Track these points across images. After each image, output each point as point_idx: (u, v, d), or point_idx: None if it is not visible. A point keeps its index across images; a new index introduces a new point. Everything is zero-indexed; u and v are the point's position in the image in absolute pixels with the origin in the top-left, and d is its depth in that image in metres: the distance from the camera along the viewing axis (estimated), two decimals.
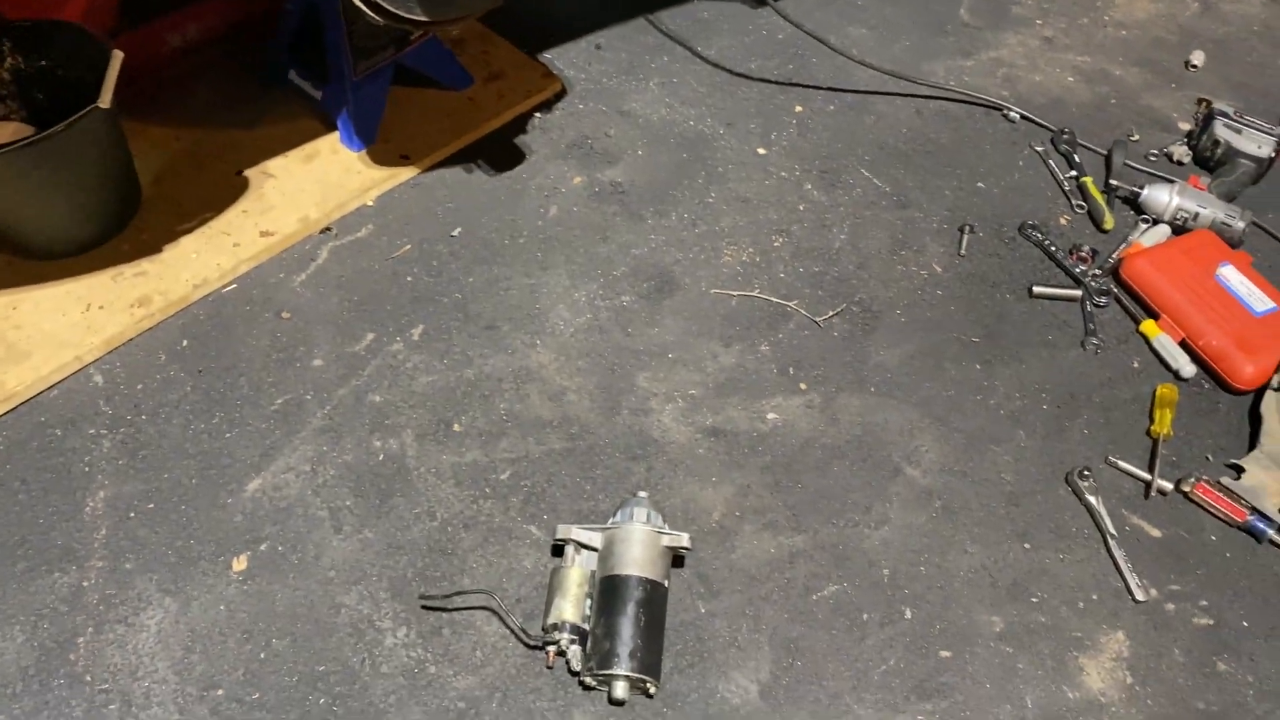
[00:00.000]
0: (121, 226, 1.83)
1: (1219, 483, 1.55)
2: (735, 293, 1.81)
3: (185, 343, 1.71)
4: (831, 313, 1.79)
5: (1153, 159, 2.05)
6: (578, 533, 1.41)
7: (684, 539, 1.40)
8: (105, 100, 1.60)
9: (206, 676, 1.36)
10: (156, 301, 1.74)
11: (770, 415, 1.65)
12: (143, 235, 1.82)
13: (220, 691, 1.35)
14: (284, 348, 1.71)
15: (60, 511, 1.51)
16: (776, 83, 2.17)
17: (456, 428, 1.62)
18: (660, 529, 1.40)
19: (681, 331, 1.75)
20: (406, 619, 1.41)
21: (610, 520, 1.44)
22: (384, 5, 1.49)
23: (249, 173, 1.94)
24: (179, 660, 1.37)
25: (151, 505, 1.52)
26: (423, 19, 1.55)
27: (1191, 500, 1.55)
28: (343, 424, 1.61)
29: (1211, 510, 1.53)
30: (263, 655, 1.38)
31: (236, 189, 1.91)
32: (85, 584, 1.44)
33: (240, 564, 1.47)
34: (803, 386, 1.69)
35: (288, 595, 1.43)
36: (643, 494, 1.48)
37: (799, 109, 2.12)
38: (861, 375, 1.71)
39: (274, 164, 1.96)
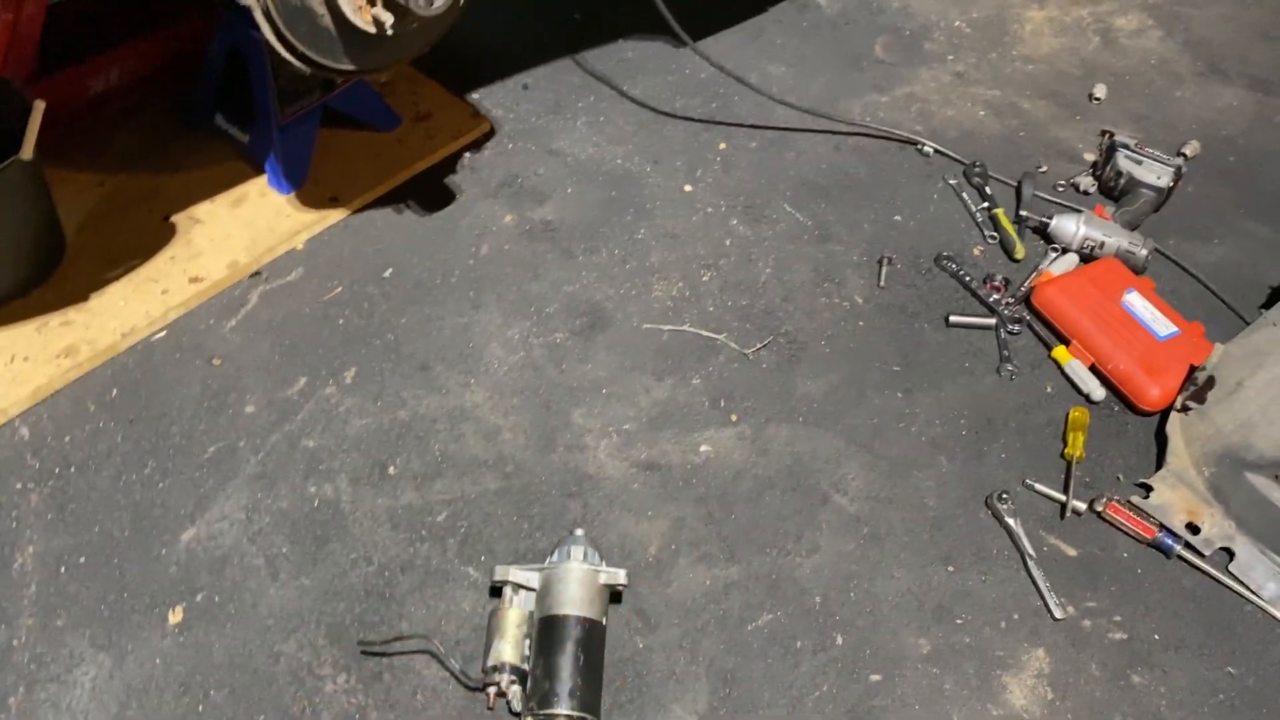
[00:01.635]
0: (45, 276, 1.81)
1: (1129, 502, 1.62)
2: (666, 327, 1.85)
3: (115, 392, 1.70)
4: (759, 345, 1.83)
5: (1060, 189, 2.14)
6: (515, 573, 1.43)
7: (621, 576, 1.43)
8: (27, 152, 1.59)
9: None
10: (84, 351, 1.72)
11: (703, 448, 1.69)
12: (67, 284, 1.81)
13: None
14: (215, 394, 1.70)
15: None
16: (700, 121, 2.23)
17: (391, 470, 1.63)
18: (597, 567, 1.43)
19: (615, 367, 1.79)
20: (346, 665, 1.42)
21: (548, 559, 1.46)
22: (310, 56, 1.51)
23: (176, 218, 1.93)
24: (114, 717, 1.36)
25: (82, 559, 1.50)
26: (349, 68, 1.57)
27: (1104, 519, 1.62)
28: (277, 470, 1.61)
29: (1123, 528, 1.61)
30: (201, 708, 1.37)
31: (164, 235, 1.90)
32: (15, 642, 1.42)
33: (176, 616, 1.46)
34: (734, 418, 1.73)
35: (225, 645, 1.43)
36: (579, 531, 1.50)
37: (723, 146, 2.18)
38: (789, 405, 1.75)
39: (201, 209, 1.95)
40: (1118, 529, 1.61)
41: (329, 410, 1.69)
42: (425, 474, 1.63)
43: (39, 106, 1.62)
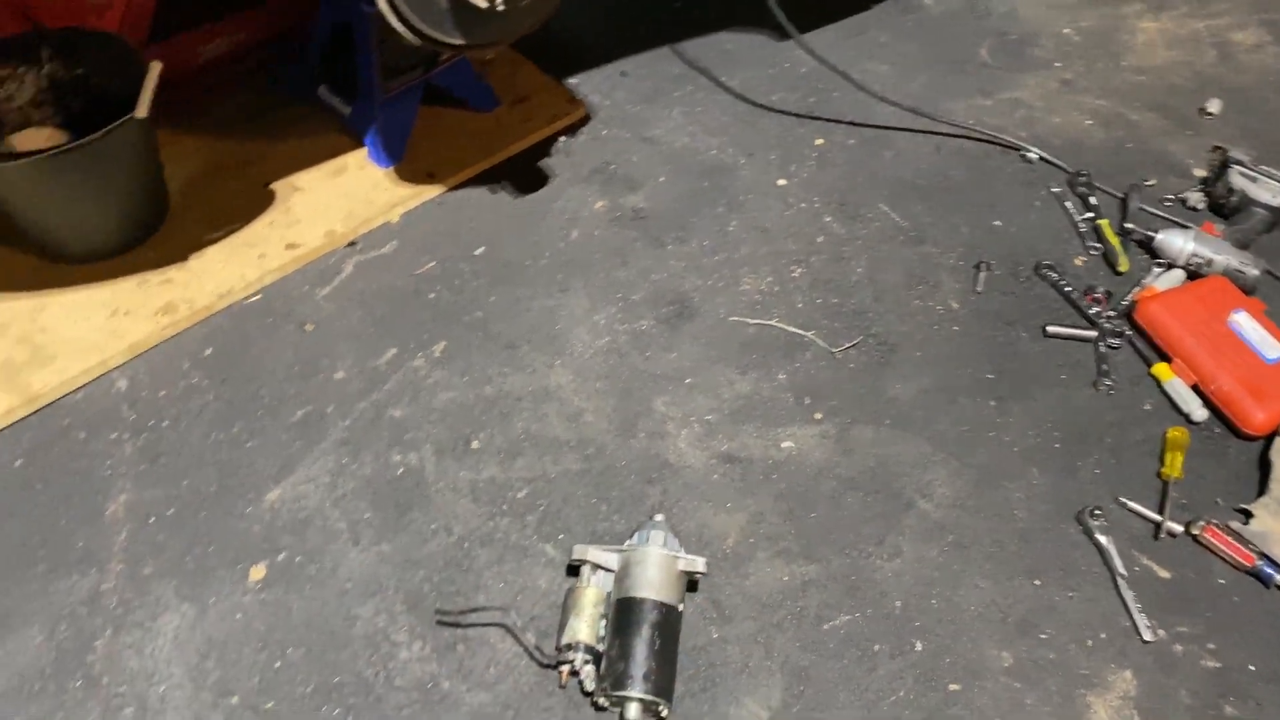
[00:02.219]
0: (149, 234, 1.86)
1: (1228, 526, 1.56)
2: (753, 321, 1.83)
3: (209, 351, 1.73)
4: (848, 344, 1.80)
5: (1167, 204, 2.07)
6: (594, 553, 1.42)
7: (700, 564, 1.42)
8: (142, 110, 1.63)
9: (221, 684, 1.37)
10: (181, 309, 1.76)
11: (785, 444, 1.67)
12: (170, 243, 1.85)
13: (235, 699, 1.36)
14: (306, 360, 1.73)
15: (81, 514, 1.53)
16: (798, 115, 2.20)
17: (475, 445, 1.63)
18: (676, 553, 1.42)
19: (699, 357, 1.77)
20: (422, 634, 1.43)
21: (627, 542, 1.45)
22: (421, 28, 1.52)
23: (276, 185, 1.96)
24: (194, 666, 1.38)
25: (171, 511, 1.53)
26: (458, 42, 1.58)
27: (1200, 543, 1.56)
28: (363, 438, 1.63)
29: (1220, 554, 1.54)
30: (278, 664, 1.39)
31: (263, 201, 1.93)
32: (104, 587, 1.45)
33: (258, 573, 1.48)
34: (818, 416, 1.71)
35: (304, 605, 1.45)
36: (659, 517, 1.49)
37: (819, 142, 2.15)
38: (876, 408, 1.72)
39: (301, 177, 1.98)
40: (1214, 554, 1.55)
41: (416, 382, 1.71)
42: (508, 450, 1.63)
43: (155, 67, 1.65)
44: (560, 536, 1.53)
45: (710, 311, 1.84)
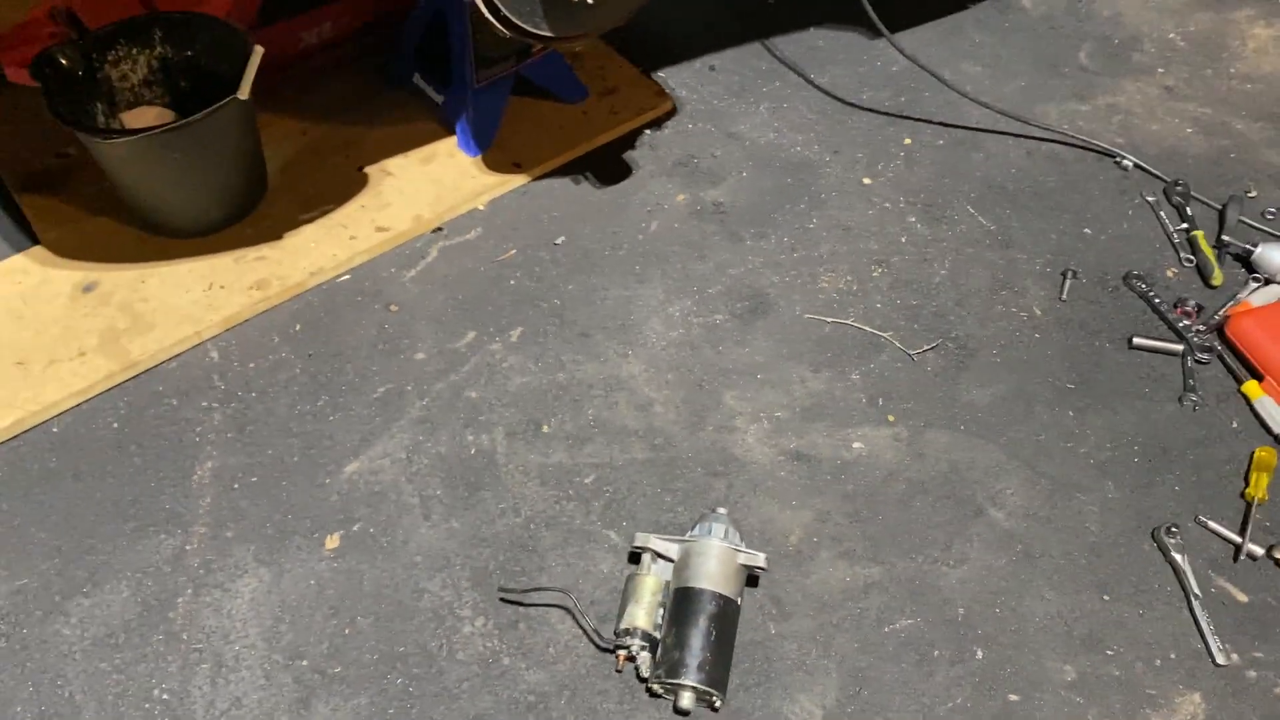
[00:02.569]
0: (247, 212, 1.93)
1: None
2: (829, 319, 1.82)
3: (298, 327, 1.79)
4: (926, 347, 1.79)
5: (1270, 217, 2.00)
6: (656, 542, 1.44)
7: (760, 559, 1.42)
8: (244, 92, 1.69)
9: (293, 646, 1.42)
10: (274, 285, 1.83)
11: (855, 444, 1.66)
12: (266, 221, 1.92)
13: (305, 662, 1.41)
14: (389, 339, 1.78)
15: (170, 477, 1.60)
16: (886, 114, 2.18)
17: (545, 429, 1.66)
18: (737, 547, 1.42)
19: (771, 354, 1.78)
20: (485, 609, 1.46)
21: (689, 533, 1.47)
22: (512, 19, 1.55)
23: (369, 169, 2.02)
24: (269, 629, 1.44)
25: (254, 479, 1.60)
26: (548, 34, 1.60)
27: None
28: (439, 416, 1.67)
29: None
30: (347, 631, 1.44)
31: (356, 184, 1.99)
32: (188, 548, 1.52)
33: (333, 542, 1.54)
34: (890, 419, 1.69)
35: (375, 576, 1.49)
36: (722, 510, 1.50)
37: (908, 141, 2.13)
38: (951, 412, 1.70)
39: (393, 162, 2.04)
40: None
41: (493, 365, 1.74)
42: (577, 436, 1.65)
43: (258, 51, 1.72)
44: (624, 523, 1.55)
45: (786, 308, 1.84)
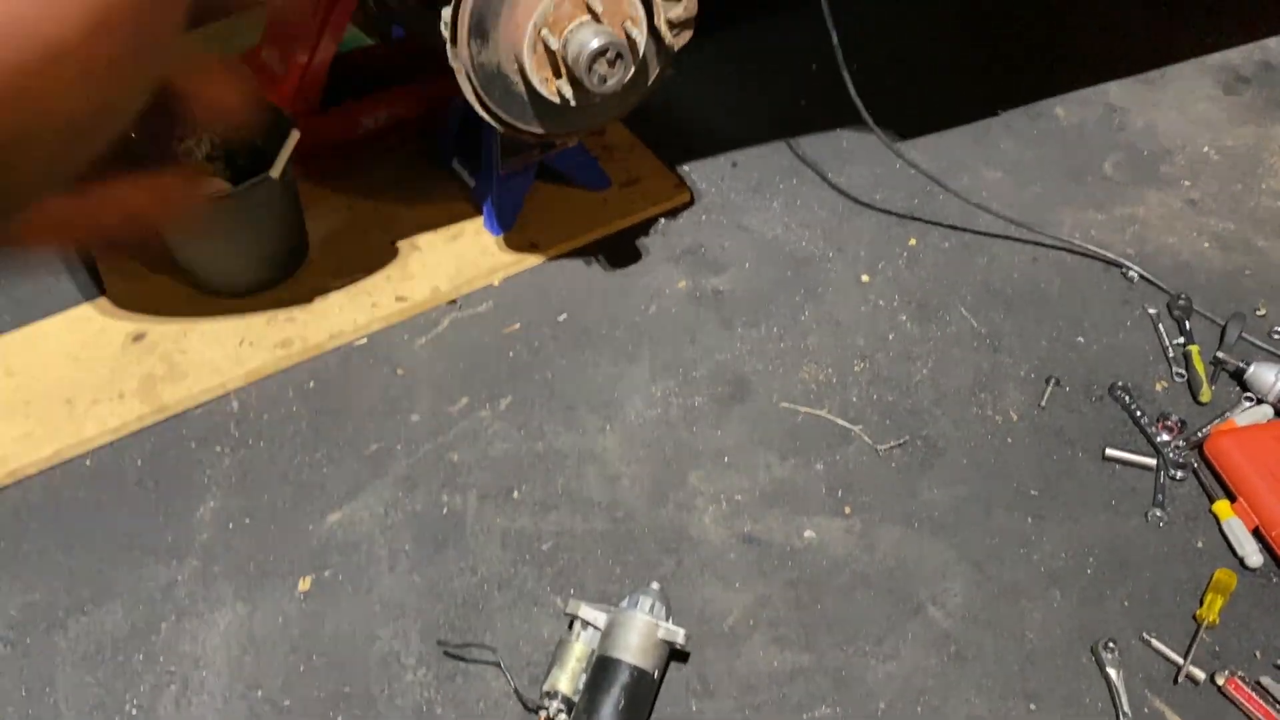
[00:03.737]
0: (287, 276, 2.12)
1: (1257, 682, 1.47)
2: (804, 409, 1.88)
3: (311, 384, 1.96)
4: (894, 443, 1.83)
5: (1276, 337, 1.97)
6: (585, 610, 1.52)
7: (679, 636, 1.49)
8: (275, 172, 1.89)
9: (252, 677, 1.55)
10: (296, 345, 2.00)
11: (807, 533, 1.71)
12: (301, 286, 2.11)
13: (259, 693, 1.54)
14: (391, 400, 1.93)
15: (176, 513, 1.77)
16: (896, 214, 2.24)
17: (516, 495, 1.77)
18: (659, 621, 1.49)
19: (743, 438, 1.85)
20: (428, 660, 1.56)
21: (620, 604, 1.54)
22: (503, 117, 1.70)
23: (400, 243, 2.20)
24: (234, 659, 1.57)
25: (248, 520, 1.75)
26: (538, 131, 1.75)
27: (1223, 694, 1.48)
28: (421, 475, 1.80)
29: (1242, 708, 1.46)
30: (302, 668, 1.56)
31: (386, 256, 2.17)
32: (179, 578, 1.68)
33: (305, 585, 1.67)
34: (847, 510, 1.74)
35: (336, 619, 1.62)
36: (654, 585, 1.57)
37: (912, 242, 2.18)
38: (909, 509, 1.74)
39: (423, 238, 2.21)
40: (1236, 707, 1.47)
41: (479, 430, 1.87)
42: (544, 503, 1.75)
43: (294, 135, 1.92)
44: (571, 591, 1.64)
45: (764, 395, 1.91)
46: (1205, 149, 2.41)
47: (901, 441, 1.83)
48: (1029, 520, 1.71)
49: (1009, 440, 1.83)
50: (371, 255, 2.18)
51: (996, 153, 2.42)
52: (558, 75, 1.64)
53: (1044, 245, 2.16)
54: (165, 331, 2.04)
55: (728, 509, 1.74)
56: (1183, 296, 2.02)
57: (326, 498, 1.78)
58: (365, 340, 2.04)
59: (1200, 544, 1.67)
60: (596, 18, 1.58)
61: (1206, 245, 2.17)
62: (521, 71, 1.64)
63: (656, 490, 1.77)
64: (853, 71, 2.03)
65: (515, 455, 1.83)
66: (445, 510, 1.75)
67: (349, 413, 1.91)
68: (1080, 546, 1.68)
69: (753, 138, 2.44)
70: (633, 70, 1.64)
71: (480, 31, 1.60)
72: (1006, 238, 2.18)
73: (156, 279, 2.12)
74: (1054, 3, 2.87)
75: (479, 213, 2.25)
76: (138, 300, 2.09)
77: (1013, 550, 1.68)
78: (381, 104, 2.36)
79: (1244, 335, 1.95)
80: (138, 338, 2.03)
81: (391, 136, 2.40)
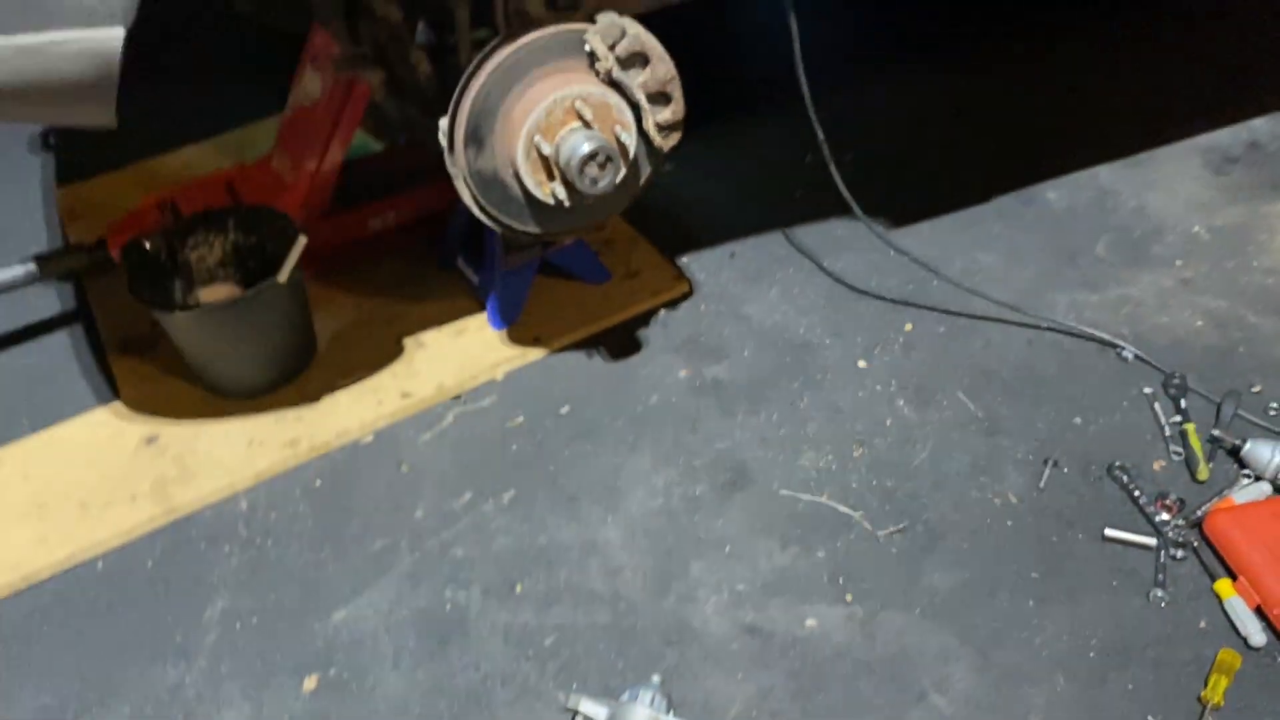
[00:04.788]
0: (295, 376, 2.18)
1: None
2: (805, 496, 1.90)
3: (318, 483, 1.99)
4: (894, 528, 1.84)
5: (1272, 413, 1.97)
6: (585, 704, 1.53)
7: None
8: (282, 278, 1.95)
9: None
10: (304, 444, 2.04)
11: (809, 621, 1.71)
12: (309, 385, 2.16)
13: None
14: (396, 496, 1.96)
15: (185, 614, 1.79)
16: (891, 300, 2.28)
17: (519, 589, 1.78)
18: (660, 714, 1.49)
19: (744, 527, 1.86)
20: None
21: (621, 697, 1.55)
22: (500, 219, 1.76)
23: (406, 340, 2.25)
24: None
25: (255, 619, 1.77)
26: (535, 230, 1.81)
27: None
28: (425, 571, 1.82)
29: None
30: None
31: (392, 354, 2.22)
32: (187, 679, 1.69)
33: (310, 683, 1.68)
34: (848, 598, 1.74)
35: (340, 718, 1.62)
36: (656, 678, 1.58)
37: (909, 327, 2.22)
38: (910, 596, 1.74)
39: (428, 335, 2.27)
40: None
41: (482, 525, 1.89)
42: (547, 597, 1.77)
43: (300, 241, 1.99)
44: (574, 685, 1.64)
45: (765, 483, 1.93)
46: (1196, 229, 2.44)
47: (901, 527, 1.84)
48: (1031, 603, 1.71)
49: (1009, 523, 1.84)
50: (378, 353, 2.24)
51: (989, 237, 2.46)
52: (551, 178, 1.70)
53: (1039, 328, 2.19)
54: (177, 434, 2.09)
55: (730, 599, 1.75)
56: (1178, 375, 2.03)
57: (332, 595, 1.80)
58: (371, 438, 2.08)
59: (1203, 624, 1.66)
60: (587, 124, 1.65)
61: (1200, 323, 2.19)
62: (517, 176, 1.71)
63: (659, 581, 1.78)
64: (847, 161, 2.09)
65: (518, 549, 1.85)
66: (449, 606, 1.77)
67: (355, 510, 1.94)
68: (1083, 629, 1.67)
69: (749, 228, 2.50)
70: (623, 172, 1.70)
71: (476, 139, 1.67)
72: (1001, 321, 2.22)
73: (169, 382, 2.18)
74: (1043, 88, 2.94)
75: (483, 309, 2.30)
76: (151, 404, 2.14)
77: (1015, 634, 1.67)
78: (388, 207, 2.44)
79: (1240, 412, 1.96)
80: (150, 440, 2.08)
81: (398, 237, 2.48)
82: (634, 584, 1.78)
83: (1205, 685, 1.57)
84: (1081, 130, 2.78)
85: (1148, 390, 2.05)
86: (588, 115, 1.63)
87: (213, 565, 1.86)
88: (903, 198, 2.46)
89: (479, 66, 1.62)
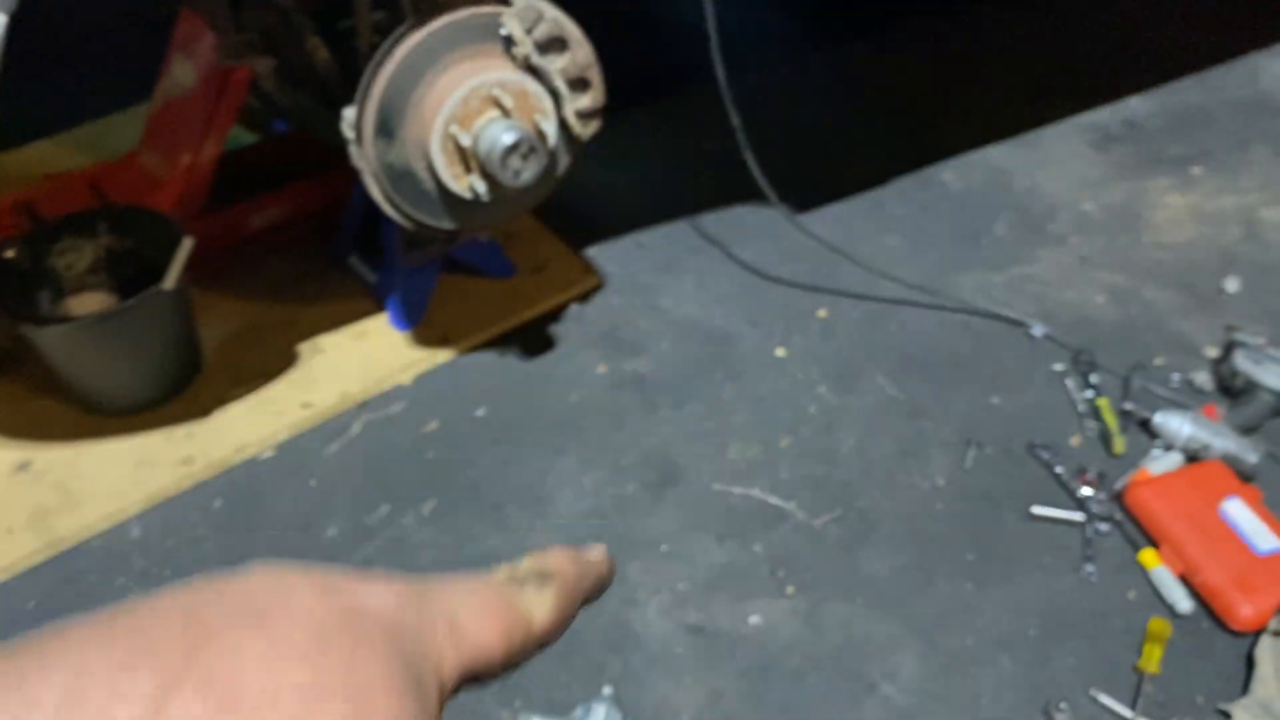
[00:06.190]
0: (181, 390, 2.01)
1: None
2: (737, 489, 1.86)
3: (219, 503, 1.85)
4: (828, 517, 1.82)
5: (1174, 385, 2.04)
6: None
7: None
8: (169, 284, 1.80)
9: None
10: (199, 462, 1.89)
11: (753, 618, 1.68)
12: (197, 399, 2.00)
13: None
14: (304, 514, 1.83)
15: None
16: (804, 287, 2.27)
17: None
18: None
19: (679, 524, 1.81)
20: None
21: (574, 712, 1.48)
22: (412, 215, 1.66)
23: (302, 346, 2.11)
24: None
25: None
26: (449, 226, 1.71)
27: None
28: None
29: None
30: None
31: (288, 361, 2.08)
32: None
33: None
34: (790, 590, 1.71)
35: None
36: (607, 690, 1.51)
37: (822, 314, 2.21)
38: (850, 584, 1.72)
39: (326, 339, 2.13)
40: None
41: (403, 539, 1.78)
42: None
43: (186, 244, 1.83)
44: (517, 702, 1.56)
45: (696, 478, 1.89)
46: (1087, 206, 2.52)
47: (835, 515, 1.82)
48: (969, 586, 1.72)
49: (939, 506, 1.84)
50: (272, 360, 2.09)
51: (892, 220, 2.48)
52: (469, 171, 1.60)
53: (950, 309, 2.21)
54: (53, 457, 1.90)
55: (671, 600, 1.70)
56: (1086, 351, 2.08)
57: None
58: (273, 452, 1.94)
59: (1132, 595, 1.70)
60: (506, 112, 1.56)
61: (1101, 300, 2.26)
62: (431, 169, 1.60)
63: None
64: (743, 151, 2.06)
65: (445, 563, 1.75)
66: None
67: (261, 531, 1.80)
68: (1021, 609, 1.69)
69: (655, 217, 2.45)
70: (545, 162, 1.62)
71: (386, 130, 1.56)
72: (913, 304, 2.23)
73: (39, 401, 1.98)
74: (933, 71, 2.98)
75: (383, 309, 2.18)
76: (20, 426, 1.95)
77: (957, 618, 1.68)
78: (270, 202, 2.28)
79: (1147, 385, 2.02)
80: (22, 466, 1.89)
81: (282, 235, 2.32)
82: None
83: (1140, 655, 1.60)
84: (972, 112, 2.83)
85: (1058, 367, 2.09)
86: (507, 103, 1.55)
87: (105, 601, 1.68)
88: (804, 183, 2.45)
89: (389, 52, 1.51)
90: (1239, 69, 2.97)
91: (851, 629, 1.66)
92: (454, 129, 1.54)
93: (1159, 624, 1.62)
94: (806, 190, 2.50)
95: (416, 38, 1.51)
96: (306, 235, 2.34)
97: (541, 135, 1.60)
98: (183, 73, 2.10)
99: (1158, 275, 2.32)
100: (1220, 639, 1.63)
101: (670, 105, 2.81)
